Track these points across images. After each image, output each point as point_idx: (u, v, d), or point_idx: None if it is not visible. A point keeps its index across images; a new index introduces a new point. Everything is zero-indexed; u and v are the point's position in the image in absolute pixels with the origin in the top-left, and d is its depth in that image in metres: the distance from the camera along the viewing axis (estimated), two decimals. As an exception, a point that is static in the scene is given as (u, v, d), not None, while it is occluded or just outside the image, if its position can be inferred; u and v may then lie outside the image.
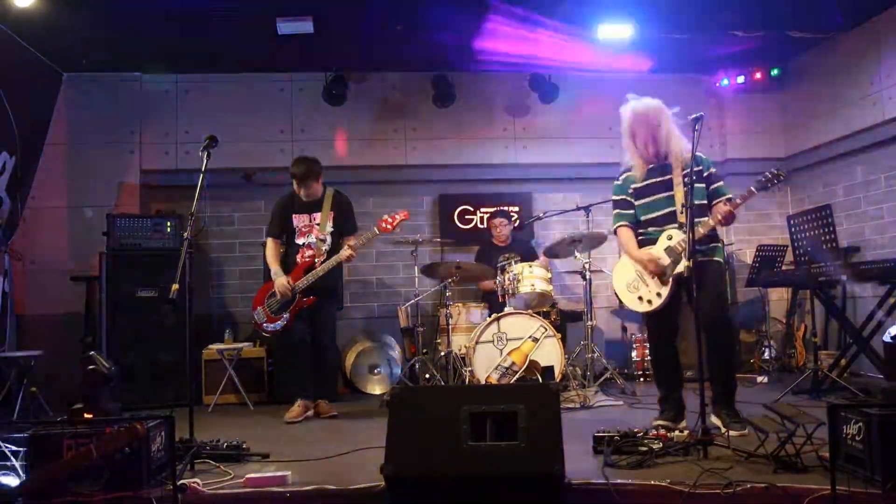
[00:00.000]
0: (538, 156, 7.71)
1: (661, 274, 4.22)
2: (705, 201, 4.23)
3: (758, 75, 7.52)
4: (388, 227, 5.22)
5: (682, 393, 4.44)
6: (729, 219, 4.10)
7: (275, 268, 5.23)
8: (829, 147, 7.16)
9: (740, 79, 7.59)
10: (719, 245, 4.34)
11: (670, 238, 4.22)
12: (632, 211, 4.42)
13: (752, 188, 4.07)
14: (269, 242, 5.39)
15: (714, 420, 4.12)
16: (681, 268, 4.12)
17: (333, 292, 5.53)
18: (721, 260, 4.34)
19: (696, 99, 7.65)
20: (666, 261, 4.21)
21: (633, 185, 4.40)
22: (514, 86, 7.65)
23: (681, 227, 4.15)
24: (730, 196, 4.24)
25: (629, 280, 4.39)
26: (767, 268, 6.62)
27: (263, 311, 5.25)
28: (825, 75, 7.10)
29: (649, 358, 6.83)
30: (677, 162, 4.25)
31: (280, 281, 5.15)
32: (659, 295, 4.26)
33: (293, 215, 5.34)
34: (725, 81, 7.66)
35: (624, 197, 4.45)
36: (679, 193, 4.20)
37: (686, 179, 4.06)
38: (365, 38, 6.61)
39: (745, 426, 3.94)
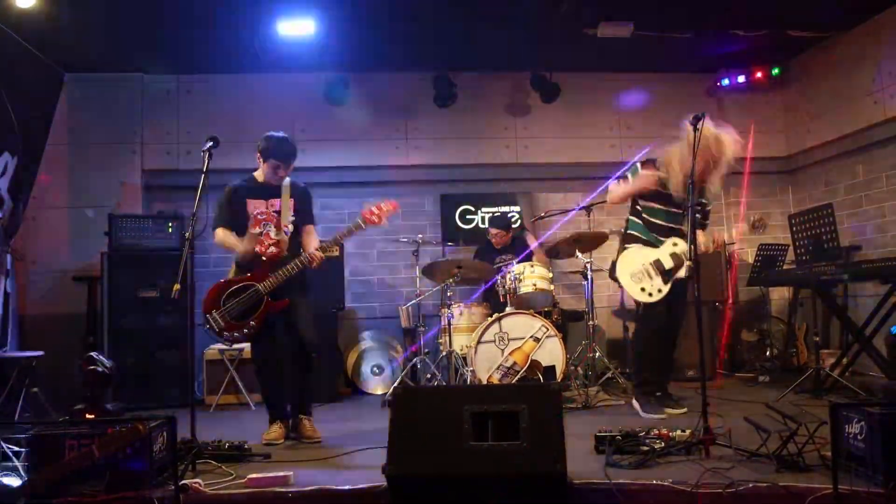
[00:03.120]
0: (539, 155, 7.71)
1: (677, 265, 4.65)
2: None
3: (758, 74, 7.52)
4: (375, 218, 4.36)
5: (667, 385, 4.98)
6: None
7: (241, 248, 4.40)
8: (830, 146, 7.16)
9: (741, 78, 7.58)
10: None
11: (675, 245, 4.66)
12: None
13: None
14: (218, 231, 4.51)
15: None
16: (682, 273, 4.63)
17: (306, 284, 4.60)
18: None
19: (696, 98, 7.66)
20: (668, 263, 4.63)
21: (658, 187, 4.70)
22: (516, 85, 7.66)
23: (683, 237, 4.62)
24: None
25: (634, 270, 4.72)
26: (769, 267, 6.61)
27: (220, 316, 4.32)
28: (826, 74, 7.09)
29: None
30: (702, 193, 4.67)
31: (245, 246, 4.37)
32: (660, 291, 4.65)
33: (248, 200, 4.50)
34: (726, 80, 7.65)
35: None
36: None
37: (699, 207, 4.57)
38: (366, 37, 6.60)
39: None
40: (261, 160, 4.59)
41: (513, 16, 6.20)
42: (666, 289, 4.65)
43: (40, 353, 5.61)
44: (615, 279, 4.88)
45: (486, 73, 7.62)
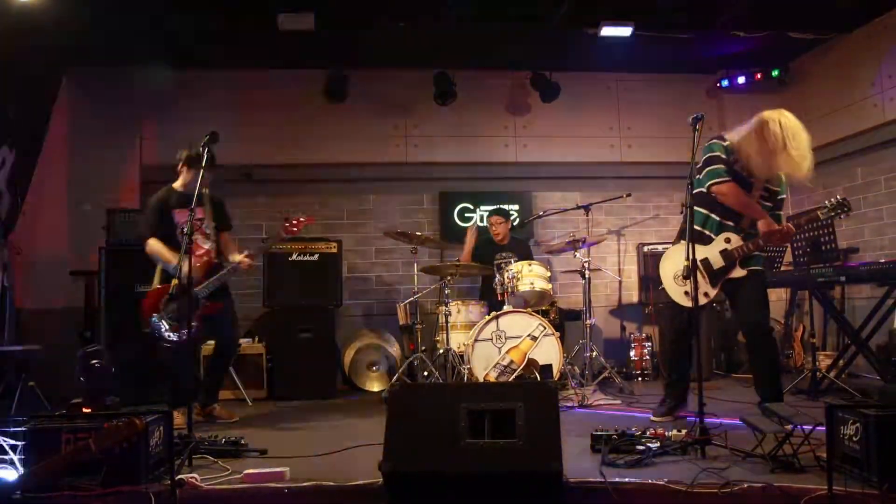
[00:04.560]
0: (538, 154, 7.72)
1: (727, 265, 4.24)
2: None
3: (758, 76, 7.52)
4: (295, 230, 4.92)
5: (688, 384, 4.52)
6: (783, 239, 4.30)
7: (171, 260, 4.63)
8: (829, 148, 7.15)
9: (741, 79, 7.60)
10: (761, 255, 4.38)
11: (728, 241, 4.24)
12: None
13: (820, 213, 4.19)
14: (152, 242, 4.80)
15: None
16: (736, 273, 4.21)
17: (227, 286, 5.08)
18: (761, 268, 4.39)
19: (696, 99, 7.67)
20: (718, 263, 4.24)
21: (734, 165, 4.24)
22: (516, 84, 7.66)
23: (740, 232, 4.25)
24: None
25: (678, 271, 4.12)
26: (766, 268, 6.62)
27: (163, 319, 4.68)
28: (826, 77, 7.10)
29: (647, 357, 6.87)
30: (762, 185, 4.26)
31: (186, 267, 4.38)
32: (706, 294, 4.27)
33: (174, 211, 4.82)
34: (726, 82, 7.66)
35: (726, 157, 4.26)
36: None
37: (765, 195, 4.23)
38: (366, 33, 6.60)
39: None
40: (184, 169, 4.90)
41: (514, 15, 6.20)
42: (713, 292, 4.25)
43: (37, 346, 5.61)
44: (657, 281, 4.51)
45: (487, 72, 7.62)
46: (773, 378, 4.29)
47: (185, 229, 4.00)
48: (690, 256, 3.69)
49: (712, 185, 4.26)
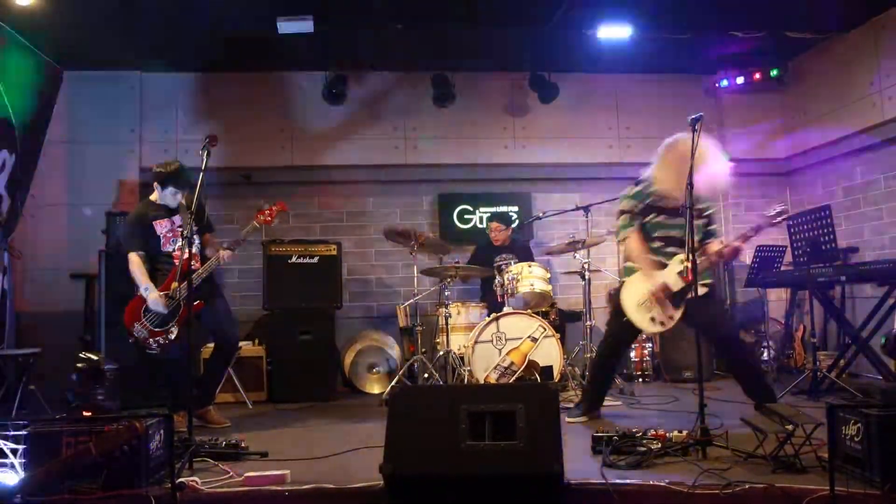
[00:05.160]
0: (537, 155, 7.71)
1: (667, 299, 4.34)
2: (699, 237, 4.39)
3: (757, 76, 7.52)
4: (268, 219, 4.97)
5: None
6: (733, 255, 4.42)
7: (144, 283, 4.71)
8: (828, 148, 7.17)
9: (739, 79, 7.58)
10: (708, 270, 4.50)
11: (683, 263, 4.27)
12: (638, 222, 4.51)
13: (762, 223, 4.26)
14: (133, 257, 4.80)
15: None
16: (699, 291, 4.22)
17: (216, 284, 5.16)
18: (712, 280, 4.57)
19: (695, 99, 7.66)
20: (678, 285, 4.30)
21: (652, 201, 4.45)
22: (514, 85, 7.66)
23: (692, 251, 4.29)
24: (721, 239, 4.53)
25: (640, 299, 4.42)
26: (766, 268, 6.62)
27: (143, 327, 4.71)
28: (824, 76, 7.10)
29: (647, 359, 6.86)
30: (698, 198, 4.27)
31: (153, 297, 4.65)
32: (672, 318, 4.36)
33: (154, 223, 4.88)
34: (725, 82, 7.65)
35: (635, 205, 4.50)
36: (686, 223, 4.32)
37: (698, 213, 4.26)
38: (365, 36, 6.60)
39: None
40: (158, 187, 4.90)
41: (512, 16, 6.20)
42: (678, 314, 4.32)
43: (37, 350, 5.60)
44: (621, 312, 4.54)
45: (485, 73, 7.62)
46: (758, 378, 4.41)
47: (176, 246, 4.34)
48: (691, 257, 3.78)
49: (618, 242, 4.65)
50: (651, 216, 4.48)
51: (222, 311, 5.06)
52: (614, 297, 4.81)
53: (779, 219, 4.23)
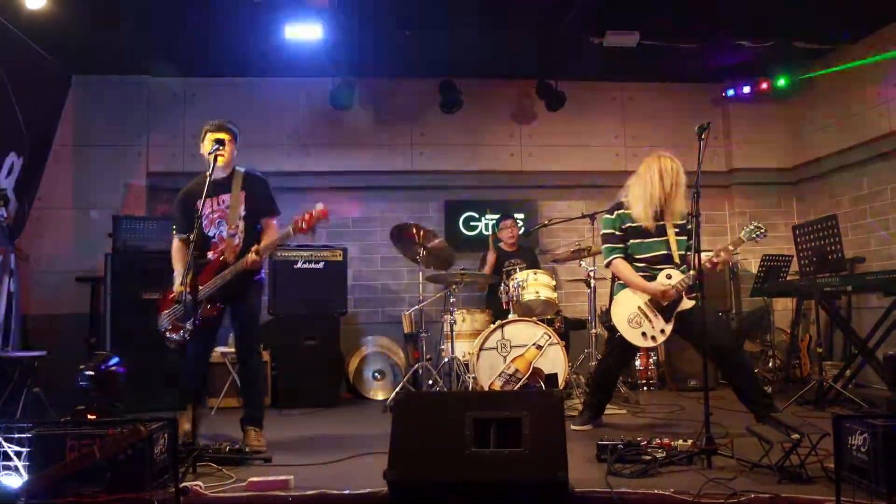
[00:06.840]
0: (544, 163, 7.73)
1: (676, 299, 4.40)
2: (681, 252, 4.51)
3: (764, 85, 7.52)
4: (305, 226, 4.19)
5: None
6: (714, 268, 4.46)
7: (176, 269, 4.41)
8: (834, 158, 7.16)
9: (746, 89, 7.58)
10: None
11: (669, 277, 4.43)
12: (623, 245, 4.60)
13: (742, 237, 4.33)
14: (175, 242, 4.51)
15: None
16: (685, 305, 4.40)
17: (248, 288, 4.45)
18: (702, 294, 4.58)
19: (701, 108, 7.66)
20: (668, 296, 4.41)
21: (629, 224, 4.56)
22: (521, 93, 7.67)
23: (677, 268, 4.45)
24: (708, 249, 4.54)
25: (630, 315, 4.51)
26: (773, 278, 6.61)
27: (169, 317, 4.39)
28: (831, 86, 7.09)
29: (652, 367, 6.84)
30: (672, 215, 4.50)
31: (175, 287, 4.34)
32: (663, 332, 4.44)
33: (197, 202, 4.11)
34: (731, 91, 7.65)
35: (615, 231, 4.61)
36: (672, 239, 4.49)
37: (677, 230, 4.51)
38: (372, 43, 6.62)
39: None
40: (201, 145, 4.45)
41: (519, 23, 6.21)
42: (669, 328, 4.41)
43: (43, 352, 5.61)
44: (611, 327, 4.67)
45: (492, 81, 7.64)
46: (758, 388, 4.42)
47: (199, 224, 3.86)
48: (696, 265, 3.84)
49: (606, 265, 4.68)
50: (630, 240, 4.58)
51: (242, 320, 4.49)
52: (604, 315, 4.87)
53: (754, 236, 4.31)
